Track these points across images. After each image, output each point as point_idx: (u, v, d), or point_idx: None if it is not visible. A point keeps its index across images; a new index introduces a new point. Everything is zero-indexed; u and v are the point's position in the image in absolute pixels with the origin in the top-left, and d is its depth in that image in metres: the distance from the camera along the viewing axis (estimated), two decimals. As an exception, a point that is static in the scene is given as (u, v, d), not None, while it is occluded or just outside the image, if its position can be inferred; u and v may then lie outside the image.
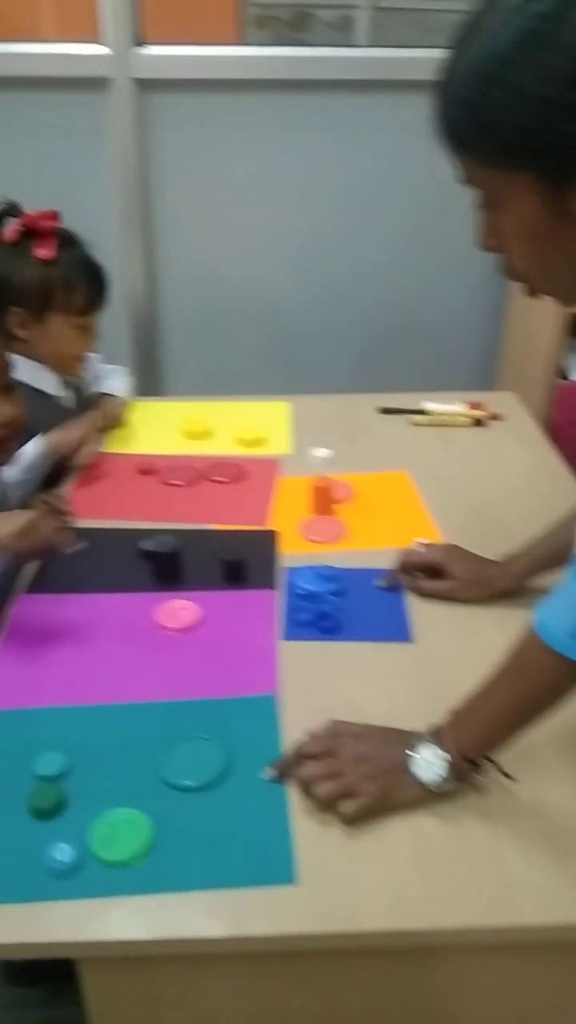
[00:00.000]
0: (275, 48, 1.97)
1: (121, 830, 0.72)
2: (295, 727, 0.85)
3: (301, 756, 0.79)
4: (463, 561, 1.06)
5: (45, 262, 1.31)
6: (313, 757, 0.79)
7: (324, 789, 0.75)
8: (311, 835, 0.74)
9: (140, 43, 1.82)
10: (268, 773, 0.79)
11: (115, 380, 1.59)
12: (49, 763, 0.80)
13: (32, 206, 1.36)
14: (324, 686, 0.92)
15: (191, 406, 1.63)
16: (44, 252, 1.30)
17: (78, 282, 1.33)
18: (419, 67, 1.86)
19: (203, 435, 1.49)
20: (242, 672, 0.93)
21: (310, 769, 0.77)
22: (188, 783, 0.78)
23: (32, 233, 1.32)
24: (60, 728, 0.85)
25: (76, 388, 1.47)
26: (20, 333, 1.35)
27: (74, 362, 1.41)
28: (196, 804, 0.76)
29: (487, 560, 1.06)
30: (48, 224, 1.32)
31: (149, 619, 1.02)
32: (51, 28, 1.95)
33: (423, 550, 1.09)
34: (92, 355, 1.58)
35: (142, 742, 0.83)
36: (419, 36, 3.61)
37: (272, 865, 0.71)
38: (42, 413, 1.36)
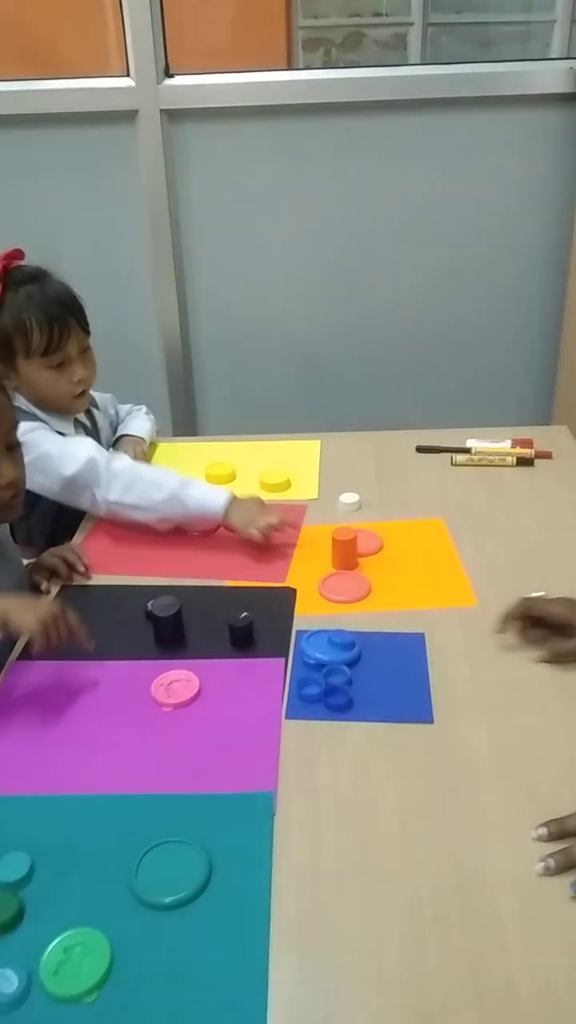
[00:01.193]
0: (300, 72, 1.91)
1: (76, 956, 0.63)
2: (289, 829, 0.75)
3: None
4: None
5: None
6: None
7: None
8: (290, 974, 0.64)
9: (168, 74, 1.78)
10: (540, 835, 0.71)
11: (136, 421, 1.54)
12: (12, 867, 0.71)
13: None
14: (327, 778, 0.81)
15: (217, 446, 1.56)
16: None
17: (31, 322, 1.24)
18: (464, 84, 1.81)
19: (227, 478, 1.41)
20: (237, 761, 0.83)
21: None
22: (158, 900, 0.68)
23: None
24: (30, 821, 0.77)
25: (88, 431, 1.41)
26: (7, 384, 1.28)
27: (71, 401, 1.33)
28: (165, 926, 0.67)
29: None
30: None
31: (144, 692, 0.93)
32: (79, 64, 1.94)
33: (541, 601, 0.97)
34: (102, 395, 1.52)
35: (116, 843, 0.74)
36: (473, 51, 3.52)
37: (242, 1011, 0.60)
38: None
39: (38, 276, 1.30)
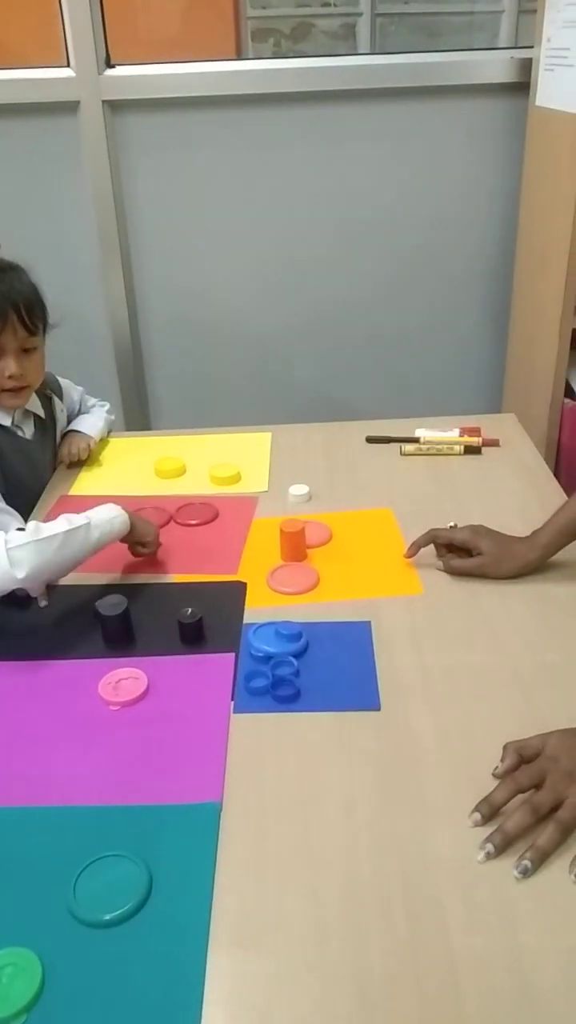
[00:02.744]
0: (243, 63, 1.89)
1: (6, 977, 0.62)
2: (234, 825, 0.75)
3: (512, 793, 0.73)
4: (489, 537, 1.08)
5: None
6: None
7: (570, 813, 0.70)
8: (230, 968, 0.64)
9: (110, 64, 1.75)
10: (475, 820, 0.72)
11: (91, 418, 1.53)
12: None
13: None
14: (274, 770, 0.81)
15: (167, 440, 1.55)
16: None
17: None
18: (412, 74, 1.81)
19: (176, 472, 1.41)
20: (183, 766, 0.82)
21: (541, 797, 0.71)
22: (96, 917, 0.66)
23: None
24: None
25: (40, 420, 1.40)
26: None
27: None
28: (101, 944, 0.65)
29: (511, 536, 1.08)
30: None
31: (92, 691, 0.92)
32: (20, 53, 1.90)
33: (447, 529, 1.10)
34: (73, 387, 1.52)
35: (53, 858, 0.72)
36: (422, 41, 3.53)
37: (176, 1013, 0.60)
38: (1, 445, 1.31)
39: (3, 268, 1.27)
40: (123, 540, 1.12)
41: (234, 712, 0.89)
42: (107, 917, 0.67)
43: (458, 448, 1.41)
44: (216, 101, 1.80)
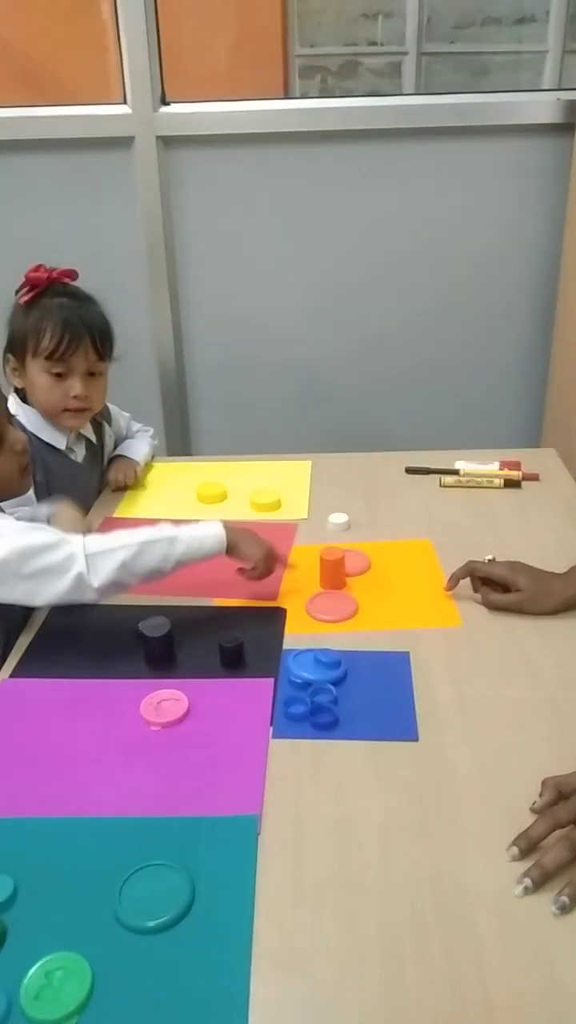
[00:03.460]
0: (292, 101, 1.95)
1: (56, 980, 0.64)
2: (272, 848, 0.76)
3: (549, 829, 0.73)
4: (527, 574, 1.09)
5: (26, 310, 1.31)
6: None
7: None
8: (271, 991, 0.64)
9: (165, 102, 1.82)
10: (513, 855, 0.73)
11: (137, 443, 1.57)
12: (-4, 889, 0.72)
13: (67, 263, 1.37)
14: (311, 795, 0.82)
15: (209, 466, 1.58)
16: (22, 297, 1.31)
17: (46, 325, 1.29)
18: (456, 113, 1.84)
19: (218, 498, 1.43)
20: (222, 783, 0.84)
21: None
22: (140, 924, 0.68)
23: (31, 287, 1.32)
24: (14, 843, 0.77)
25: (91, 444, 1.44)
26: (14, 381, 1.35)
27: (61, 413, 1.35)
28: (146, 950, 0.67)
29: (549, 572, 1.10)
30: (35, 276, 1.31)
31: (134, 711, 0.94)
32: (78, 91, 1.98)
33: (485, 563, 1.11)
34: (121, 413, 1.56)
35: (100, 866, 0.74)
36: (467, 80, 3.59)
37: (223, 1030, 0.61)
38: (52, 466, 1.36)
39: (79, 296, 1.34)
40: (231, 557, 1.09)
41: (272, 737, 0.90)
42: (151, 924, 0.68)
43: (498, 481, 1.41)
44: (265, 138, 1.85)
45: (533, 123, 1.84)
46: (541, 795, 0.77)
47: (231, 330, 2.04)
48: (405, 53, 3.54)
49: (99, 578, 0.98)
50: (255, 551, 1.11)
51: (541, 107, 1.83)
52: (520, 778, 0.81)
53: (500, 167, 1.89)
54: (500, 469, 1.45)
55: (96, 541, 1.00)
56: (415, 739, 0.88)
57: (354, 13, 3.61)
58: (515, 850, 0.73)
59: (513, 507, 1.36)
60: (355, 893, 0.71)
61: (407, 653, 1.01)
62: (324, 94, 3.65)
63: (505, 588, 1.09)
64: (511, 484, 1.42)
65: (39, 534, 1.00)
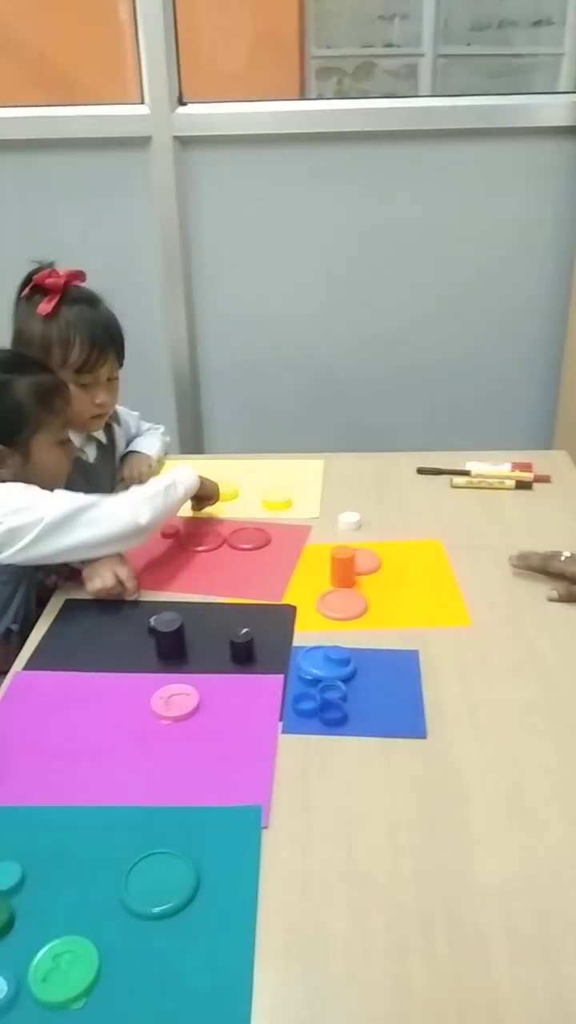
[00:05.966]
0: (308, 103, 1.96)
1: (64, 963, 0.65)
2: (279, 841, 0.76)
3: None
4: None
5: (46, 319, 1.30)
6: None
7: None
8: (275, 980, 0.65)
9: (182, 102, 1.83)
10: (552, 596, 0.88)
11: (148, 439, 1.58)
12: (3, 875, 0.72)
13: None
14: (320, 790, 0.82)
15: (221, 464, 1.58)
16: (43, 308, 1.30)
17: (75, 339, 1.30)
18: (472, 115, 1.85)
19: (230, 496, 1.44)
20: (230, 775, 0.85)
21: None
22: (146, 910, 0.69)
23: (42, 290, 1.31)
24: (23, 830, 0.78)
25: (101, 444, 1.45)
26: None
27: (87, 420, 1.37)
28: (152, 935, 0.68)
29: None
30: (52, 282, 1.31)
31: (144, 705, 0.95)
32: (95, 90, 2.00)
33: (564, 559, 1.11)
34: (129, 413, 1.57)
35: (107, 853, 0.75)
36: (483, 82, 3.58)
37: (226, 1018, 0.62)
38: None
39: (92, 300, 1.35)
40: (193, 496, 1.29)
41: (282, 732, 0.91)
42: (157, 910, 0.69)
43: (509, 482, 1.42)
44: (281, 139, 1.86)
45: (549, 126, 1.84)
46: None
47: (245, 329, 2.05)
48: (421, 55, 3.53)
49: (145, 516, 1.15)
50: (214, 484, 1.34)
51: (557, 110, 1.83)
52: (528, 777, 0.82)
53: (516, 169, 1.89)
54: (511, 470, 1.46)
55: (135, 492, 1.19)
56: (423, 736, 0.89)
57: (371, 15, 3.61)
58: (554, 593, 0.99)
59: (524, 508, 1.36)
60: (362, 887, 0.72)
61: (416, 652, 1.02)
62: (340, 95, 3.64)
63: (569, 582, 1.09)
64: (522, 486, 1.42)
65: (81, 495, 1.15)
